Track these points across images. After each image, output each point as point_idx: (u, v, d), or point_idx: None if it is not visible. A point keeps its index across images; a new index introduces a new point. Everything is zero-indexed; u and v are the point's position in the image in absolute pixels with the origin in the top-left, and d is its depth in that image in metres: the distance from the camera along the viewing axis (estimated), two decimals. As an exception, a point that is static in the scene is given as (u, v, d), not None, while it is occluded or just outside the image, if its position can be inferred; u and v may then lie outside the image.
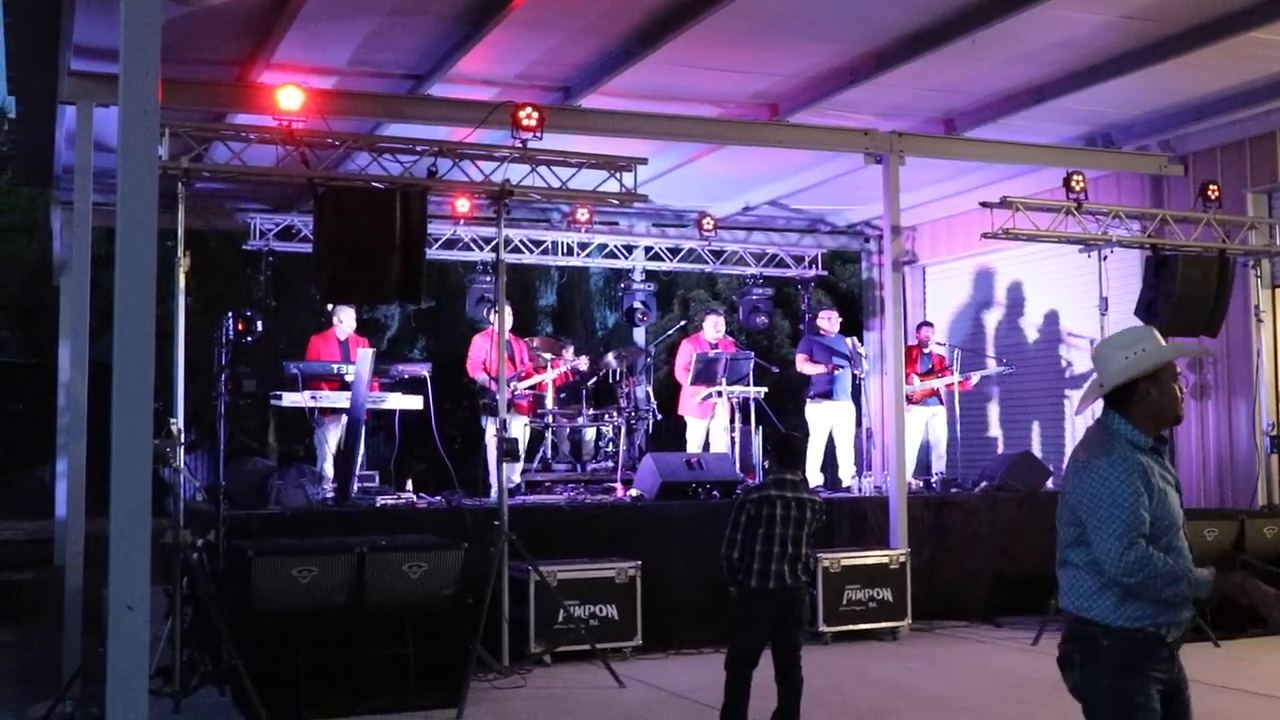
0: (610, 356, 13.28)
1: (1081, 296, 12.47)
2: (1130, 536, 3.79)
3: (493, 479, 10.80)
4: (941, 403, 13.05)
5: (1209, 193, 11.20)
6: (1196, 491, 12.31)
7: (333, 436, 11.08)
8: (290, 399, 10.65)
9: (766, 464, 8.18)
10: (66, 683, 7.68)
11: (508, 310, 11.95)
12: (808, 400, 13.00)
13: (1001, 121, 11.35)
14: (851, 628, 10.05)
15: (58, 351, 12.62)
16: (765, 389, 12.70)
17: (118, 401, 4.07)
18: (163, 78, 4.33)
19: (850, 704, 7.87)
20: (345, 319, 11.55)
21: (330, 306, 11.80)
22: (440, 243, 13.34)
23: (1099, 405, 4.09)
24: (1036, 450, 13.68)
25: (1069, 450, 14.10)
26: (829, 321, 13.20)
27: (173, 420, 8.07)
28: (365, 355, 10.49)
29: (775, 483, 6.61)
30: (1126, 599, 3.84)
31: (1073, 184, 10.86)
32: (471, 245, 13.68)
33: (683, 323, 17.48)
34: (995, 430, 14.78)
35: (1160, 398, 4.00)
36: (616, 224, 14.86)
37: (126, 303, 4.08)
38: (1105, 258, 11.15)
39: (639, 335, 15.52)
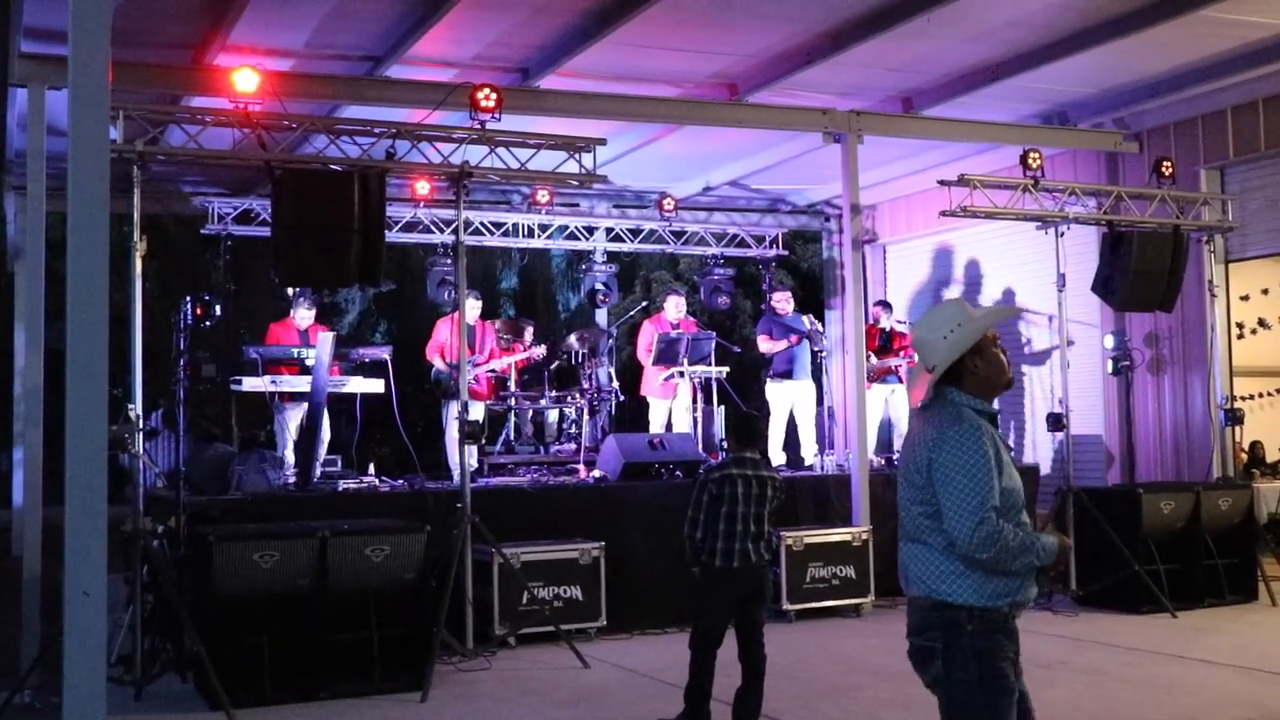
0: (572, 338, 13.27)
1: (1039, 273, 12.59)
2: (984, 510, 3.68)
3: (454, 462, 10.80)
4: (900, 380, 13.13)
5: (1163, 169, 11.30)
6: (1153, 465, 12.48)
7: (293, 421, 11.03)
8: (250, 384, 10.59)
9: (726, 443, 8.22)
10: (25, 672, 7.62)
11: (477, 298, 12.00)
12: (768, 380, 13.06)
13: (958, 100, 11.41)
14: (815, 605, 10.12)
15: (13, 338, 12.48)
16: (727, 369, 12.75)
17: (71, 384, 4.04)
18: (116, 60, 4.30)
19: (814, 680, 7.93)
20: (303, 312, 11.46)
21: (291, 293, 11.73)
22: (400, 225, 13.28)
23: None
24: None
25: (1027, 424, 14.27)
26: (783, 302, 13.24)
27: (131, 406, 8.00)
28: (325, 339, 10.44)
29: (735, 461, 6.63)
30: (990, 577, 3.74)
31: (1029, 161, 10.94)
32: (432, 228, 13.63)
33: (645, 304, 17.48)
34: (955, 407, 14.88)
35: (988, 368, 3.92)
36: (577, 206, 14.85)
37: (79, 288, 4.05)
38: (1062, 234, 11.24)
39: (601, 317, 15.51)
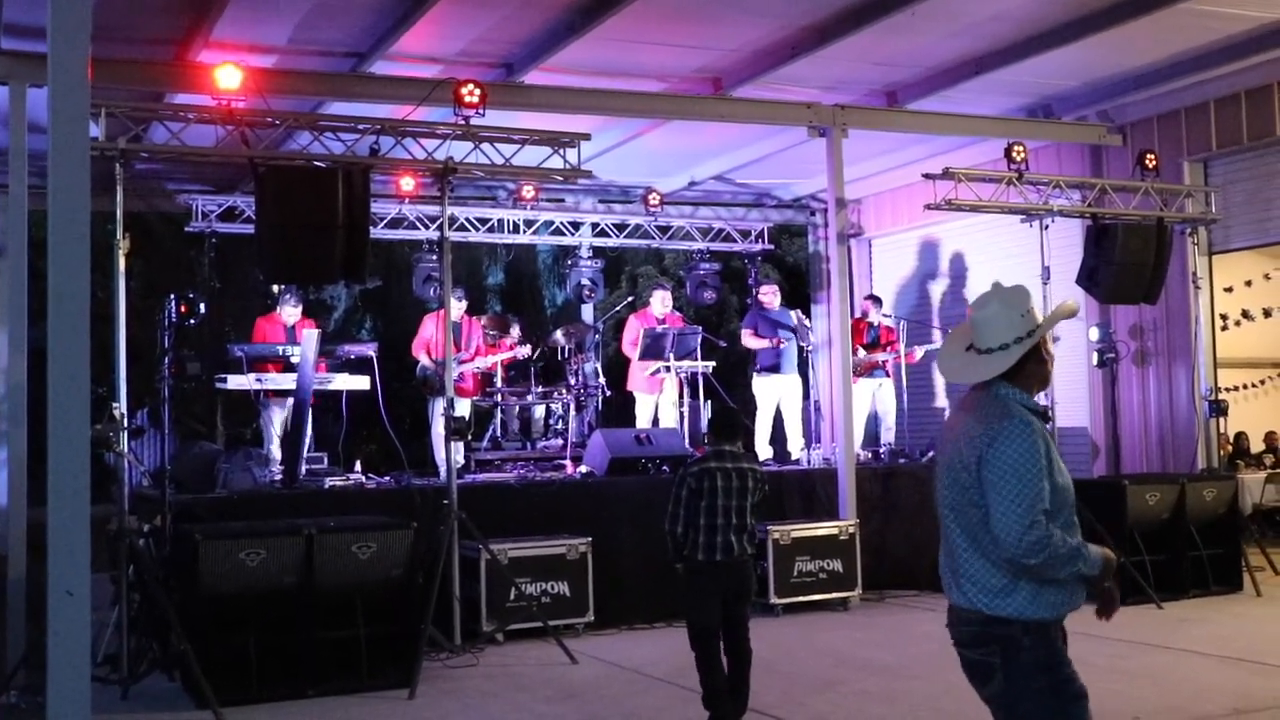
0: (558, 334, 13.27)
1: (1024, 266, 12.59)
2: (1034, 514, 3.48)
3: (440, 459, 10.79)
4: (888, 374, 13.15)
5: (1147, 162, 11.35)
6: (1138, 456, 12.51)
7: (278, 418, 11.00)
8: (235, 381, 10.56)
9: (705, 437, 8.20)
10: (10, 672, 7.60)
11: (461, 297, 11.98)
12: (755, 374, 13.06)
13: (943, 94, 11.42)
14: (802, 599, 10.14)
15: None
16: (713, 363, 12.75)
17: (53, 383, 4.03)
18: (99, 57, 4.28)
19: (800, 674, 7.95)
20: (290, 309, 11.42)
21: (277, 289, 11.68)
22: (385, 222, 13.24)
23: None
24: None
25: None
26: (769, 296, 13.24)
27: (115, 405, 7.96)
28: (311, 336, 10.42)
29: (715, 454, 6.59)
30: (1043, 589, 3.58)
31: (1014, 154, 10.97)
32: (417, 224, 13.60)
33: (630, 299, 17.47)
34: (942, 400, 14.92)
35: (1041, 367, 3.75)
36: (563, 201, 14.84)
37: (60, 287, 4.03)
38: (1047, 227, 11.28)
39: (587, 312, 15.50)
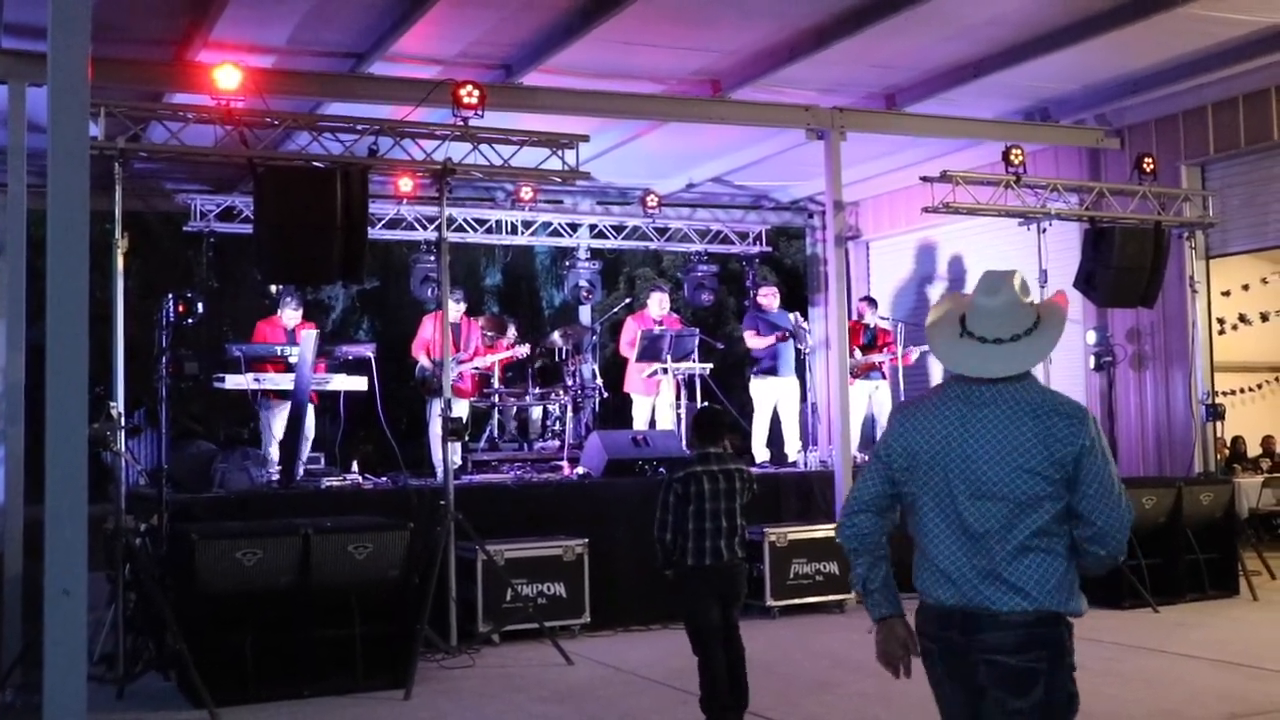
0: (556, 335, 13.28)
1: (1022, 269, 12.56)
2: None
3: (437, 459, 10.79)
4: (884, 377, 13.16)
5: (1144, 165, 11.36)
6: (1135, 460, 12.53)
7: (277, 419, 11.00)
8: (233, 381, 10.56)
9: (688, 441, 8.17)
10: (6, 671, 7.59)
11: (460, 299, 11.98)
12: (752, 376, 13.06)
13: (941, 96, 11.43)
14: (798, 601, 10.14)
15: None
16: (710, 365, 12.75)
17: (51, 382, 4.03)
18: (98, 56, 4.29)
19: (797, 676, 7.95)
20: (290, 312, 11.42)
21: (275, 291, 11.68)
22: (383, 222, 13.25)
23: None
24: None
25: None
26: (768, 297, 13.25)
27: (113, 404, 7.98)
28: (309, 337, 10.43)
29: (699, 458, 6.53)
30: (1079, 581, 3.46)
31: (1011, 158, 10.99)
32: (415, 225, 13.60)
33: (628, 300, 17.49)
34: (939, 403, 14.90)
35: None
36: (561, 202, 14.84)
37: (59, 286, 4.03)
38: (1044, 230, 11.29)
39: (585, 313, 15.50)
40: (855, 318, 13.25)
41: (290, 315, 11.40)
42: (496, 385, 12.43)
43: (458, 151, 9.40)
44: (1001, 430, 3.45)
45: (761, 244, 15.65)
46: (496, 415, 12.56)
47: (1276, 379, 15.59)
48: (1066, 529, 3.43)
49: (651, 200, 14.05)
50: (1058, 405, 3.46)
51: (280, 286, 11.62)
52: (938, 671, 3.56)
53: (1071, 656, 3.43)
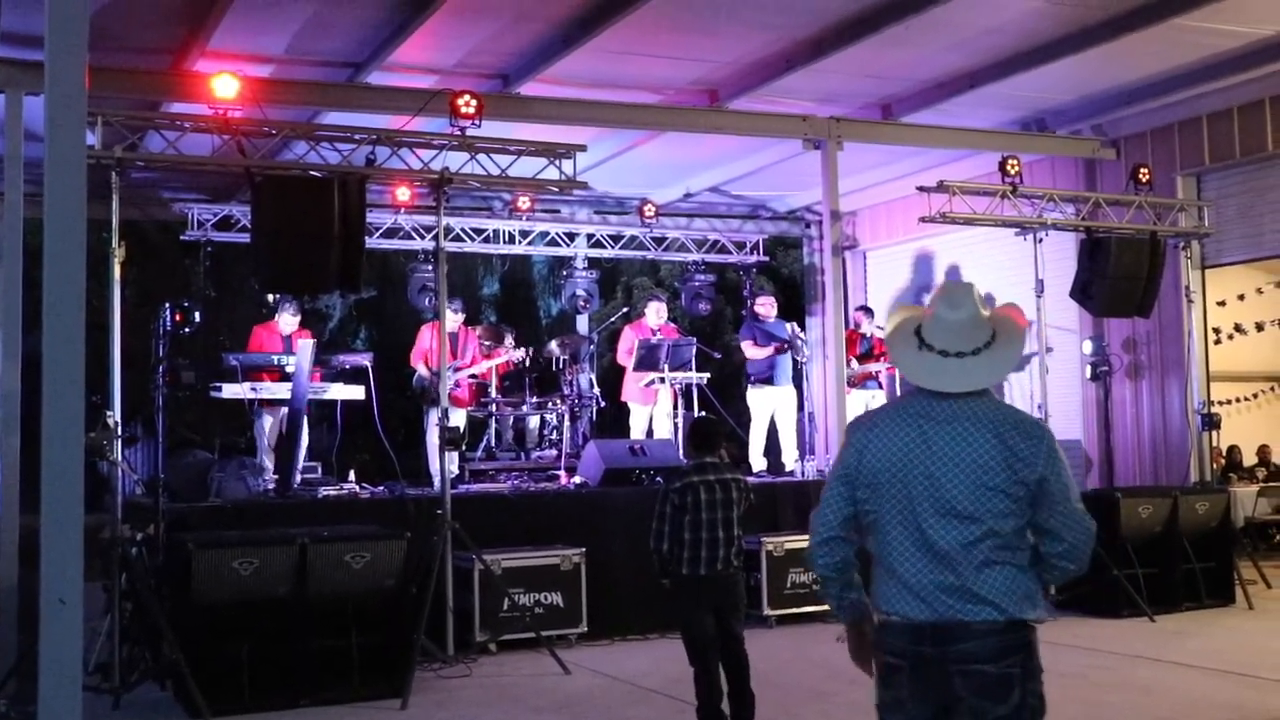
0: (553, 344, 13.28)
1: (1018, 279, 12.62)
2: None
3: (434, 468, 10.78)
4: (881, 386, 13.17)
5: (1140, 176, 11.39)
6: (1131, 469, 12.54)
7: (270, 427, 10.97)
8: (230, 390, 10.55)
9: (684, 451, 8.15)
10: (1, 681, 7.57)
11: (459, 309, 11.98)
12: (749, 385, 13.06)
13: (937, 107, 11.47)
14: (795, 610, 10.13)
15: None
16: (707, 374, 12.75)
17: (48, 390, 4.02)
18: (95, 65, 4.29)
19: (794, 686, 7.94)
20: (288, 318, 11.41)
21: (272, 299, 11.67)
22: (381, 232, 13.26)
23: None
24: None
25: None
26: (766, 307, 13.26)
27: (109, 413, 7.97)
28: (305, 346, 10.42)
29: (696, 468, 6.53)
30: (1041, 589, 3.52)
31: (1008, 168, 10.99)
32: (412, 234, 13.62)
33: (625, 309, 17.50)
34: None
35: None
36: (558, 212, 14.86)
37: (56, 294, 4.03)
38: (1040, 240, 11.30)
39: (582, 323, 15.52)
40: (852, 327, 13.25)
41: (288, 321, 11.39)
42: (494, 394, 12.43)
43: (455, 161, 9.42)
44: (964, 448, 3.45)
45: (759, 253, 15.68)
46: (494, 424, 12.56)
47: (1272, 388, 15.61)
48: (1028, 541, 3.48)
49: (649, 210, 14.07)
50: (1019, 423, 3.48)
51: (278, 295, 11.61)
52: (901, 692, 3.52)
53: (1038, 658, 3.48)
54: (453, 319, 11.50)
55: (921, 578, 3.46)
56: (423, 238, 13.53)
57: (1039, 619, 3.46)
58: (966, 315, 3.54)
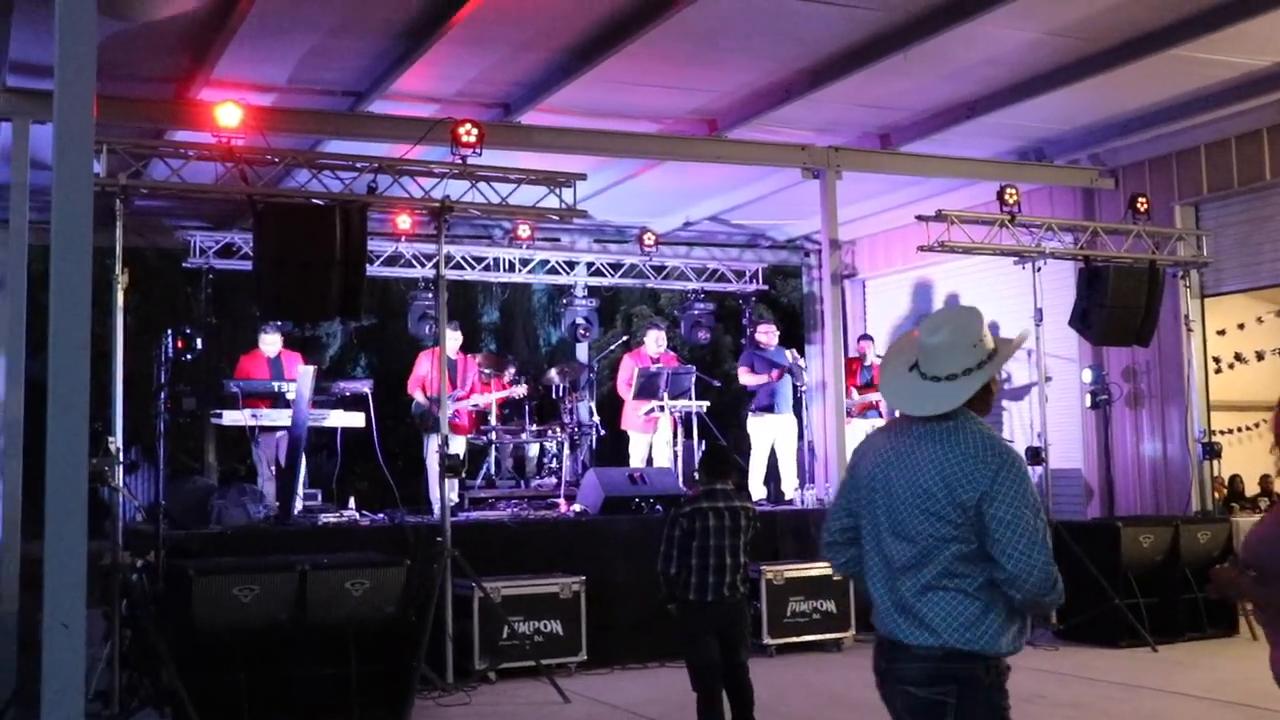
0: (553, 373, 13.30)
1: (1017, 308, 12.65)
2: (1049, 549, 3.37)
3: (434, 496, 10.78)
4: (881, 415, 13.17)
5: (1138, 205, 11.43)
6: (1132, 498, 12.53)
7: (269, 454, 10.97)
8: (230, 417, 10.57)
9: (696, 476, 8.17)
10: (1, 708, 7.56)
11: (456, 329, 12.01)
12: (749, 414, 13.08)
13: (936, 136, 11.52)
14: (796, 639, 10.11)
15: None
16: (707, 403, 12.77)
17: (53, 417, 4.03)
18: (100, 94, 4.31)
19: (794, 715, 7.93)
20: (269, 338, 11.42)
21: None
22: (381, 260, 13.30)
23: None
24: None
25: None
26: (767, 335, 13.29)
27: (111, 439, 7.98)
28: (306, 373, 10.43)
29: (706, 494, 6.56)
30: (1008, 623, 3.41)
31: (1006, 197, 11.04)
32: (413, 262, 13.66)
33: (625, 338, 17.53)
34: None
35: (994, 391, 3.63)
36: (558, 240, 14.91)
37: (62, 321, 4.05)
38: (1039, 269, 11.33)
39: (582, 351, 15.54)
40: (855, 356, 13.27)
41: (269, 342, 11.38)
42: (493, 422, 12.44)
43: (456, 189, 9.47)
44: (915, 471, 3.48)
45: (758, 282, 15.72)
46: (493, 452, 12.56)
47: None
48: (980, 569, 3.41)
49: (649, 238, 14.11)
50: (969, 447, 3.44)
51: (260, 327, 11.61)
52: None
53: (994, 693, 3.42)
54: (451, 345, 11.48)
55: (879, 591, 3.58)
56: (423, 265, 13.57)
57: (994, 651, 3.40)
58: (940, 340, 3.57)
